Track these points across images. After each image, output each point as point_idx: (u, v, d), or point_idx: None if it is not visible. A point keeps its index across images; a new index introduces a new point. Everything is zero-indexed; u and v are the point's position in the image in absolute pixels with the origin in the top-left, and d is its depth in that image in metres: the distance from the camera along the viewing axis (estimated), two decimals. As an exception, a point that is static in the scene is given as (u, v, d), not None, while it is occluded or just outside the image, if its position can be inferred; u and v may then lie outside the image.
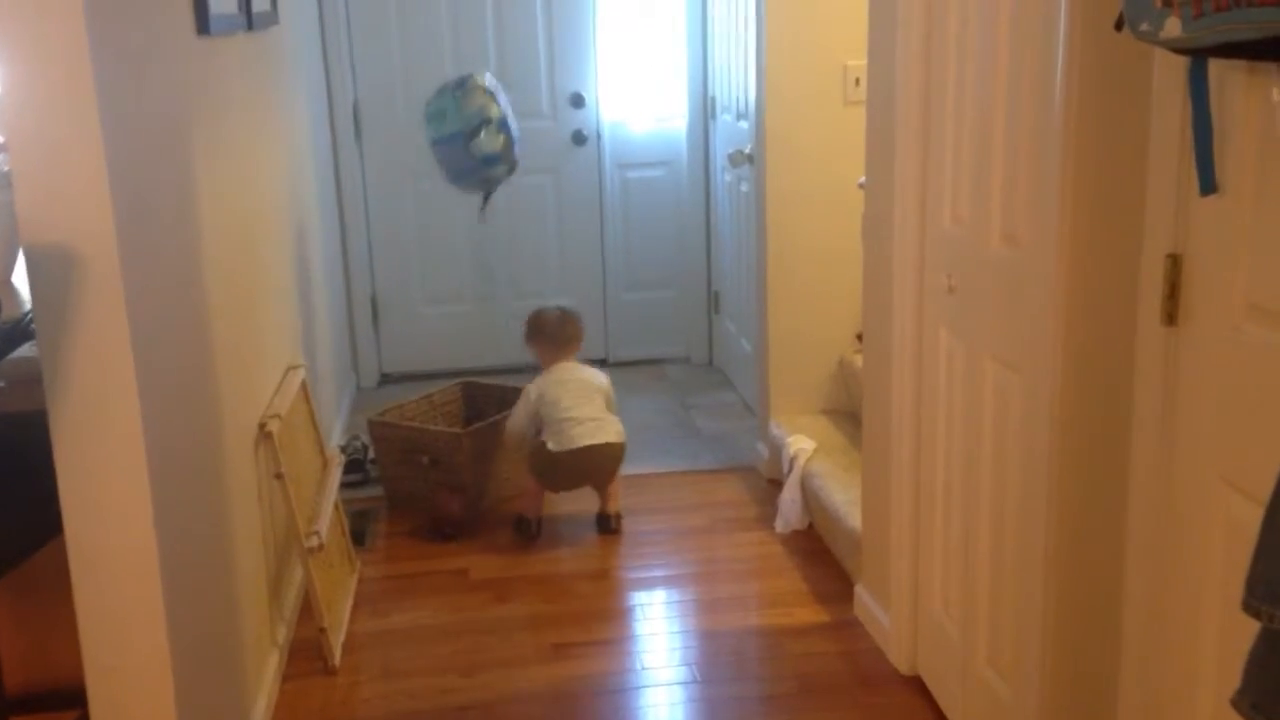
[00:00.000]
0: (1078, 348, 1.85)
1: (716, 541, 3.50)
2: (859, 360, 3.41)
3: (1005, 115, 2.06)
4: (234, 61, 2.71)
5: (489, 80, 3.90)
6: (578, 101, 4.93)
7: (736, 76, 4.37)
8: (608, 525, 3.57)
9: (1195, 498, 1.49)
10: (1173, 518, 1.55)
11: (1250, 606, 1.11)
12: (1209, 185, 1.34)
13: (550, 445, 3.49)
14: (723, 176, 4.79)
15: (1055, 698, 2.01)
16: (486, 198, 4.05)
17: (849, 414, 3.86)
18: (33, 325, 1.75)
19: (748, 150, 4.17)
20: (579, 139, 4.97)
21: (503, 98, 3.89)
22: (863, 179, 2.89)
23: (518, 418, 3.61)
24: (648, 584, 3.27)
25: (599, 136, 4.99)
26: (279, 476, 2.70)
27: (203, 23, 2.28)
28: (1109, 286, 1.73)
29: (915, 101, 2.48)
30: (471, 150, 3.81)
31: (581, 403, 3.51)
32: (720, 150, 4.75)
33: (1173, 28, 1.21)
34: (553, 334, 3.67)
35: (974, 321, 2.28)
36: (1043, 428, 1.95)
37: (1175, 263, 1.49)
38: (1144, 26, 1.25)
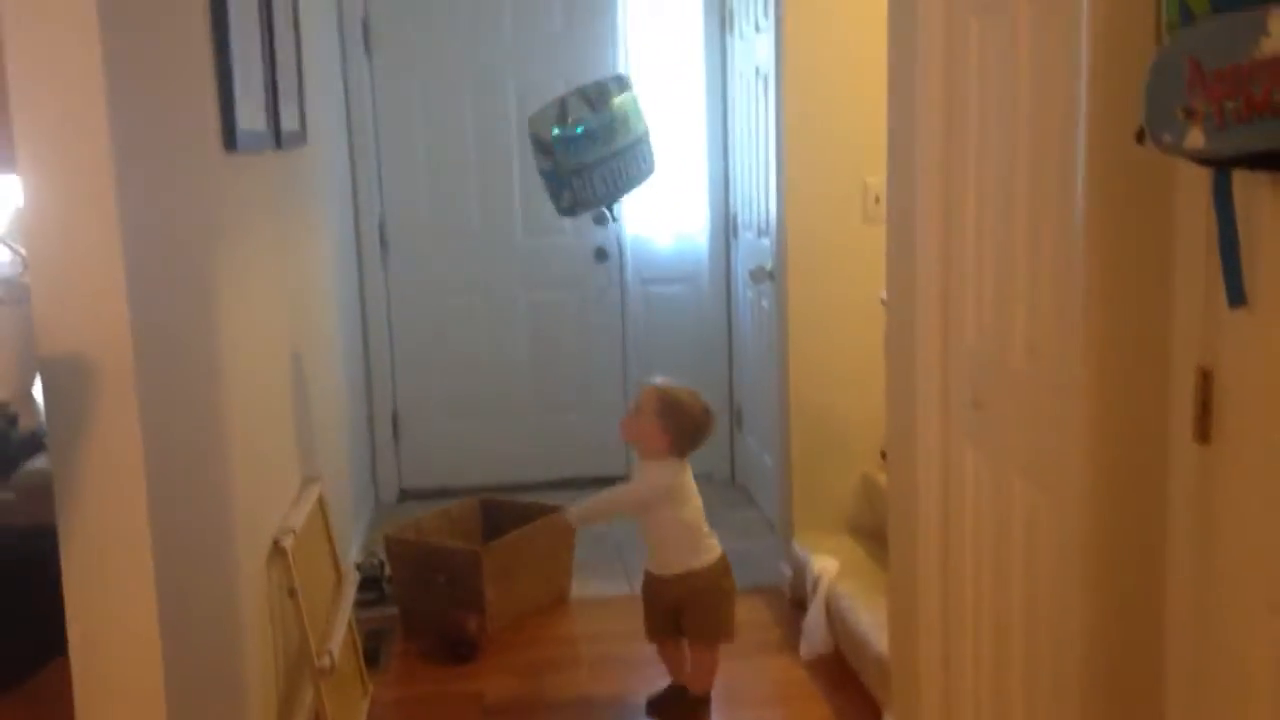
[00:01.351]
0: (1107, 465, 1.80)
1: (739, 666, 3.39)
2: (883, 478, 3.34)
3: (1026, 229, 2.04)
4: (260, 179, 2.75)
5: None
6: (600, 218, 4.98)
7: (757, 193, 4.41)
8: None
9: (1239, 626, 1.42)
10: (1215, 648, 1.48)
11: None
12: (1238, 296, 1.31)
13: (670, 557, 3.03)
14: (745, 293, 4.81)
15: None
16: (612, 212, 3.85)
17: (873, 533, 3.78)
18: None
19: (769, 267, 4.18)
20: (601, 255, 5.00)
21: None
22: (884, 294, 2.87)
23: (637, 492, 3.08)
24: (668, 709, 3.17)
25: (620, 252, 5.03)
26: (292, 594, 2.65)
27: (230, 139, 2.32)
28: (1138, 402, 1.69)
29: (935, 215, 2.48)
30: (645, 152, 3.59)
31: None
32: (742, 266, 4.77)
33: (1195, 139, 1.19)
34: (697, 425, 3.04)
35: (1000, 438, 2.23)
36: (1074, 550, 1.88)
37: (1206, 377, 1.45)
38: (1166, 138, 1.24)
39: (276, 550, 2.64)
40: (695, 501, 3.05)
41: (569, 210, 3.57)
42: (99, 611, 1.75)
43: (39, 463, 1.87)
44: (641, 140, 3.62)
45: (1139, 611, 1.73)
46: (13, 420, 1.99)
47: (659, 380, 3.11)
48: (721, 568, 3.04)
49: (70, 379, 1.70)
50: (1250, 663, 1.39)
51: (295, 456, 3.07)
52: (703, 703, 3.07)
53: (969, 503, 2.40)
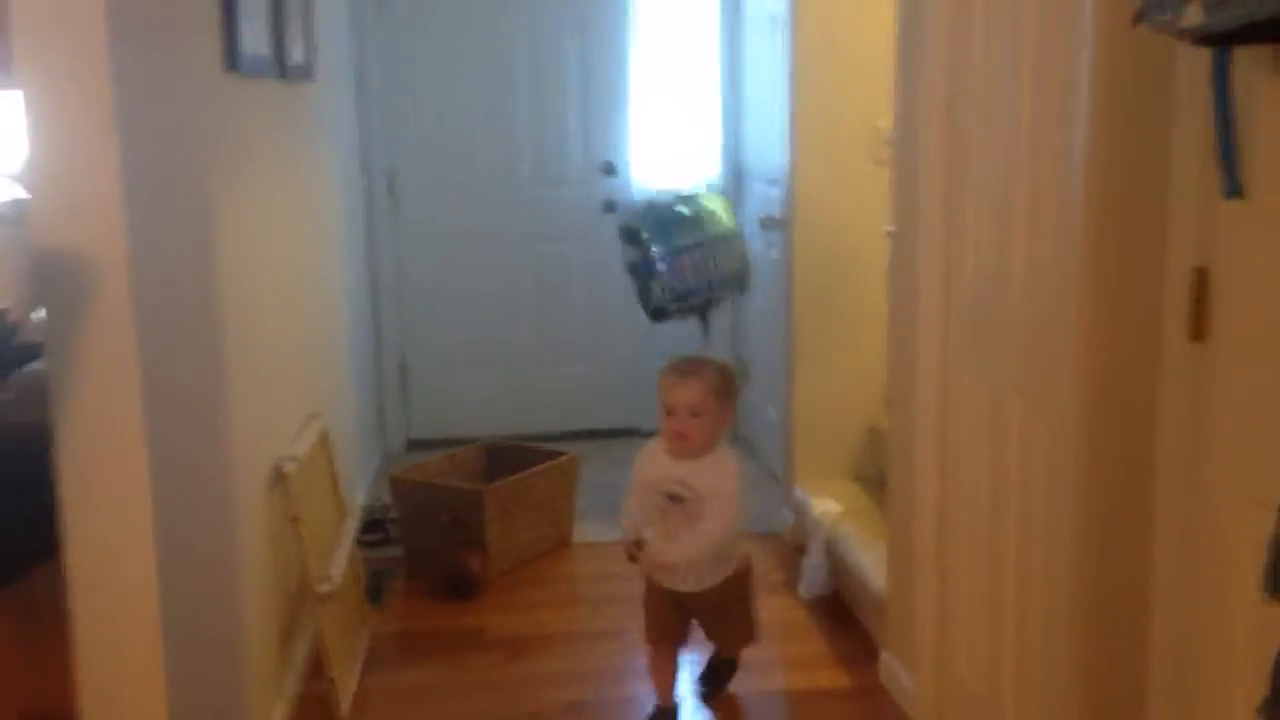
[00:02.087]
0: (1101, 371, 1.79)
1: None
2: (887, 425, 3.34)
3: (1029, 146, 2.03)
4: (263, 106, 2.75)
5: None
6: (609, 169, 4.96)
7: (768, 142, 4.38)
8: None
9: (1225, 521, 1.42)
10: (1202, 545, 1.47)
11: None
12: (1234, 187, 1.30)
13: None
14: (754, 243, 4.78)
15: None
16: (705, 315, 3.73)
17: (877, 480, 3.77)
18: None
19: (778, 215, 4.16)
20: (609, 207, 4.99)
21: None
22: (891, 227, 2.86)
23: (734, 506, 2.61)
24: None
25: (630, 204, 5.01)
26: (293, 520, 2.66)
27: (231, 59, 2.31)
28: (1133, 305, 1.68)
29: (940, 145, 2.46)
30: (737, 250, 3.58)
31: None
32: (751, 217, 4.75)
33: (1193, 15, 1.17)
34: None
35: (998, 361, 2.22)
36: (1067, 462, 1.88)
37: (1201, 275, 1.44)
38: (1163, 16, 1.22)
39: (277, 476, 2.65)
40: None
41: (661, 307, 3.58)
42: (92, 510, 1.76)
43: (37, 367, 1.87)
44: (732, 237, 3.64)
45: (1129, 519, 1.72)
46: (12, 329, 2.00)
47: (675, 362, 2.65)
48: (746, 568, 2.75)
49: (66, 278, 1.70)
50: (1235, 556, 1.38)
51: (297, 390, 3.08)
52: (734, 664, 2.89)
53: (966, 430, 2.40)
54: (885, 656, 2.89)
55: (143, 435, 1.77)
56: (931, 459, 2.56)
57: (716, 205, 3.66)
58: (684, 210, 3.60)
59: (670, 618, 2.72)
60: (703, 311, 3.77)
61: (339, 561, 2.86)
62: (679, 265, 3.49)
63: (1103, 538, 1.84)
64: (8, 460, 1.82)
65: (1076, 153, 1.80)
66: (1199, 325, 1.45)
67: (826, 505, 3.55)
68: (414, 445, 5.08)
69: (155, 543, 1.79)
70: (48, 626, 1.84)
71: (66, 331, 1.72)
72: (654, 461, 2.64)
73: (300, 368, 3.15)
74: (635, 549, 2.66)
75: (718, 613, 2.73)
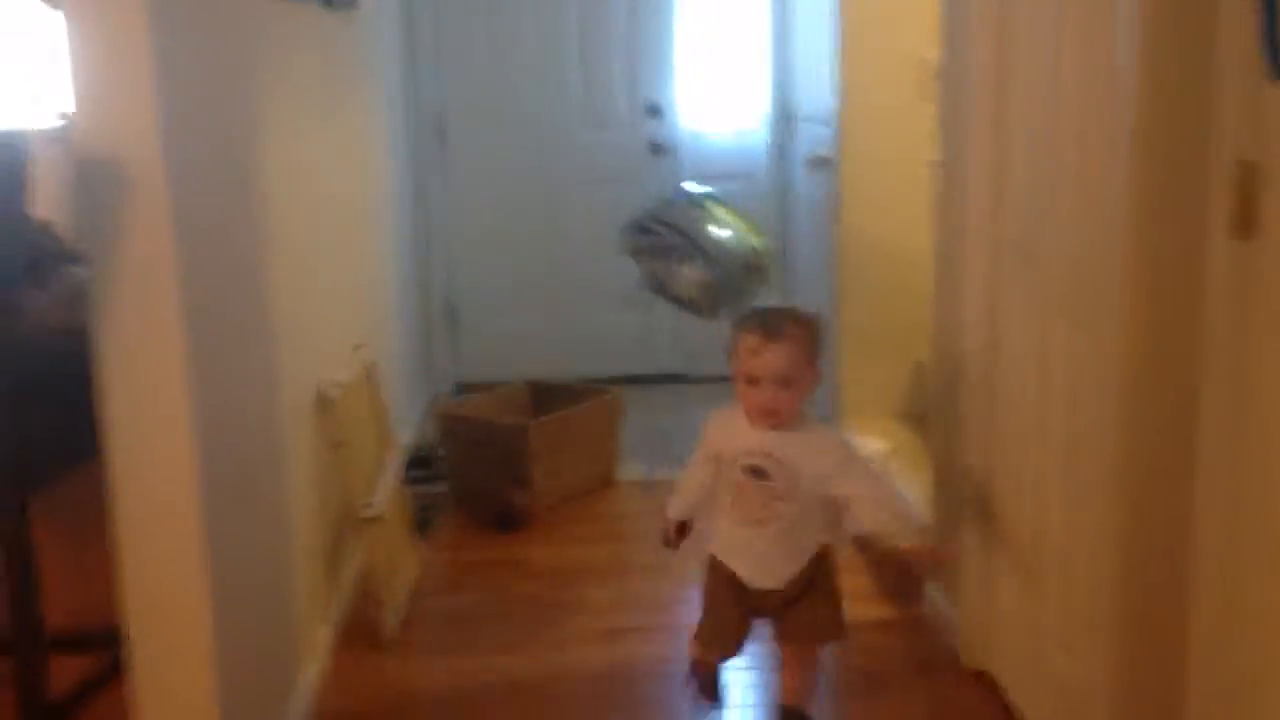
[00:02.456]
0: (1148, 284, 1.74)
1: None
2: (934, 356, 3.30)
3: (1075, 61, 1.98)
4: (305, 30, 2.75)
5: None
6: (655, 111, 4.92)
7: (815, 81, 4.32)
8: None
9: (1270, 422, 1.38)
10: (1248, 451, 1.44)
11: None
12: (1277, 67, 1.25)
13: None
14: (802, 188, 4.74)
15: (1127, 669, 1.88)
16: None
17: (923, 419, 3.73)
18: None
19: (826, 154, 4.11)
20: (656, 149, 4.95)
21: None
22: (938, 156, 2.81)
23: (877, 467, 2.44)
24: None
25: (677, 147, 4.98)
26: (337, 445, 2.69)
27: (271, -20, 2.31)
28: (1182, 208, 1.62)
29: (989, 68, 2.41)
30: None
31: None
32: (800, 159, 4.70)
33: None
34: None
35: (1046, 286, 2.18)
36: (1113, 379, 1.84)
37: (1248, 170, 1.39)
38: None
39: (322, 400, 2.68)
40: None
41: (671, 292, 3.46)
42: (134, 423, 1.78)
43: (79, 273, 1.89)
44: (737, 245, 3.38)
45: (1175, 436, 1.69)
46: (55, 239, 2.03)
47: (753, 317, 2.15)
48: (824, 550, 2.26)
49: (105, 192, 1.72)
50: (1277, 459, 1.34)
51: (344, 323, 3.10)
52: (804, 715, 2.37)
53: (1012, 357, 2.36)
54: (929, 587, 2.87)
55: (182, 343, 1.78)
56: (977, 388, 2.53)
57: (724, 212, 3.50)
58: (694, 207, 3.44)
59: (733, 616, 2.27)
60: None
61: (384, 489, 2.89)
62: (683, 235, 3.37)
63: (1149, 458, 1.80)
64: (49, 363, 1.85)
65: (1122, 56, 1.75)
66: (1246, 222, 1.40)
67: (874, 444, 3.52)
68: (462, 388, 5.11)
69: (196, 451, 1.81)
70: (95, 535, 1.88)
71: (107, 241, 1.74)
72: (733, 429, 2.15)
73: (347, 301, 3.17)
74: (678, 534, 2.32)
75: (799, 602, 2.22)
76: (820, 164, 4.20)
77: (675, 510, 2.33)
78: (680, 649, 2.68)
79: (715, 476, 2.22)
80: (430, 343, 5.06)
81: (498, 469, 3.60)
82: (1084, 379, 2.00)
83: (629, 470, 3.96)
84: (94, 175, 1.72)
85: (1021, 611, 2.37)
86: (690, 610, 2.95)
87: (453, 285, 5.08)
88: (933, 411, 2.85)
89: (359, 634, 2.81)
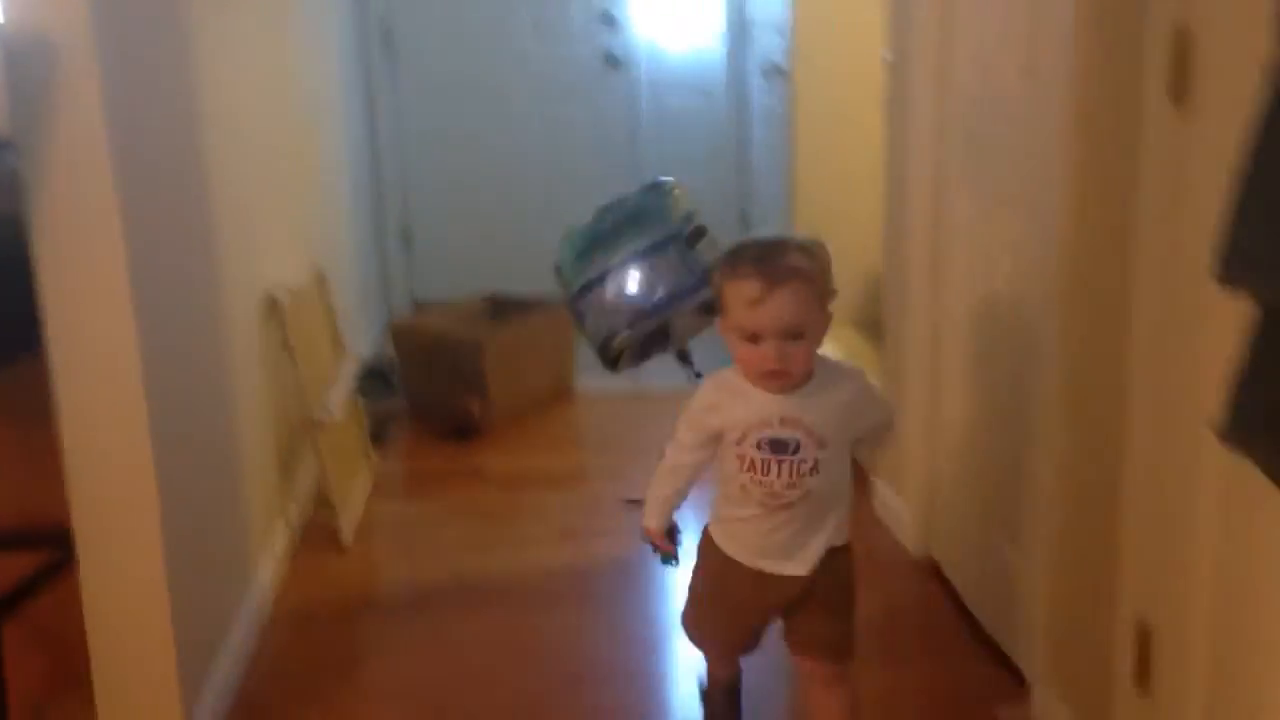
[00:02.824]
0: (1087, 162, 1.75)
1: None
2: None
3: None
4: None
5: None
6: (609, 20, 4.86)
7: (770, -11, 4.28)
8: None
9: (1199, 295, 1.39)
10: (1176, 321, 1.46)
11: (1229, 278, 1.03)
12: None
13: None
14: (759, 99, 4.71)
15: (1062, 548, 1.93)
16: (687, 358, 2.65)
17: (876, 327, 3.77)
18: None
19: (781, 63, 4.09)
20: (611, 62, 4.90)
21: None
22: (887, 53, 2.80)
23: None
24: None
25: (633, 59, 4.92)
26: (287, 348, 2.68)
27: None
28: (1121, 78, 1.63)
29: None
30: (692, 259, 2.42)
31: None
32: (756, 71, 4.66)
33: None
34: None
35: (991, 176, 2.19)
36: (1052, 256, 1.86)
37: (1183, 36, 1.40)
38: None
39: (271, 305, 2.66)
40: None
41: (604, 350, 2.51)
42: (73, 312, 1.76)
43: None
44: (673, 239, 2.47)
45: (1111, 303, 1.70)
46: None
47: (747, 253, 1.66)
48: (846, 543, 1.80)
49: (31, 60, 1.68)
50: (1209, 334, 1.36)
51: (293, 233, 3.07)
52: None
53: (959, 250, 2.38)
54: (877, 483, 2.92)
55: (119, 232, 1.74)
56: (925, 282, 2.55)
57: (651, 204, 2.61)
58: (606, 218, 2.63)
59: (746, 617, 1.83)
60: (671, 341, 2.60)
61: (336, 395, 2.89)
62: (639, 267, 2.45)
63: (1086, 342, 1.82)
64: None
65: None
66: (1180, 88, 1.41)
67: (827, 351, 3.54)
68: (419, 308, 5.09)
69: (138, 343, 1.79)
70: (40, 430, 1.86)
71: (37, 127, 1.71)
72: (738, 397, 1.68)
73: (297, 209, 3.14)
74: (668, 539, 1.85)
75: (824, 602, 1.77)
76: (775, 73, 4.18)
77: (656, 517, 1.83)
78: (633, 545, 2.72)
79: (715, 459, 1.75)
80: (385, 259, 5.02)
81: (453, 381, 3.60)
82: (1025, 262, 2.02)
83: (588, 383, 3.98)
84: (23, 59, 1.68)
85: (963, 503, 2.41)
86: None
87: (406, 200, 5.02)
88: (884, 308, 2.88)
89: (318, 538, 2.83)
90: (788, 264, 1.62)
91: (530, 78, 4.94)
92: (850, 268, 3.84)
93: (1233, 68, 1.33)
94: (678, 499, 1.83)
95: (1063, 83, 1.79)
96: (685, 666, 2.20)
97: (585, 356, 4.02)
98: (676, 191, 2.56)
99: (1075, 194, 1.78)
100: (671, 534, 1.86)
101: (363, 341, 4.17)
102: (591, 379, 3.97)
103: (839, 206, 3.84)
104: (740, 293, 1.62)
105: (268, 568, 2.54)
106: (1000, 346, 2.19)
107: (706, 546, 1.82)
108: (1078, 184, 1.77)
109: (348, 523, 2.82)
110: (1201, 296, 1.37)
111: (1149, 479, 1.57)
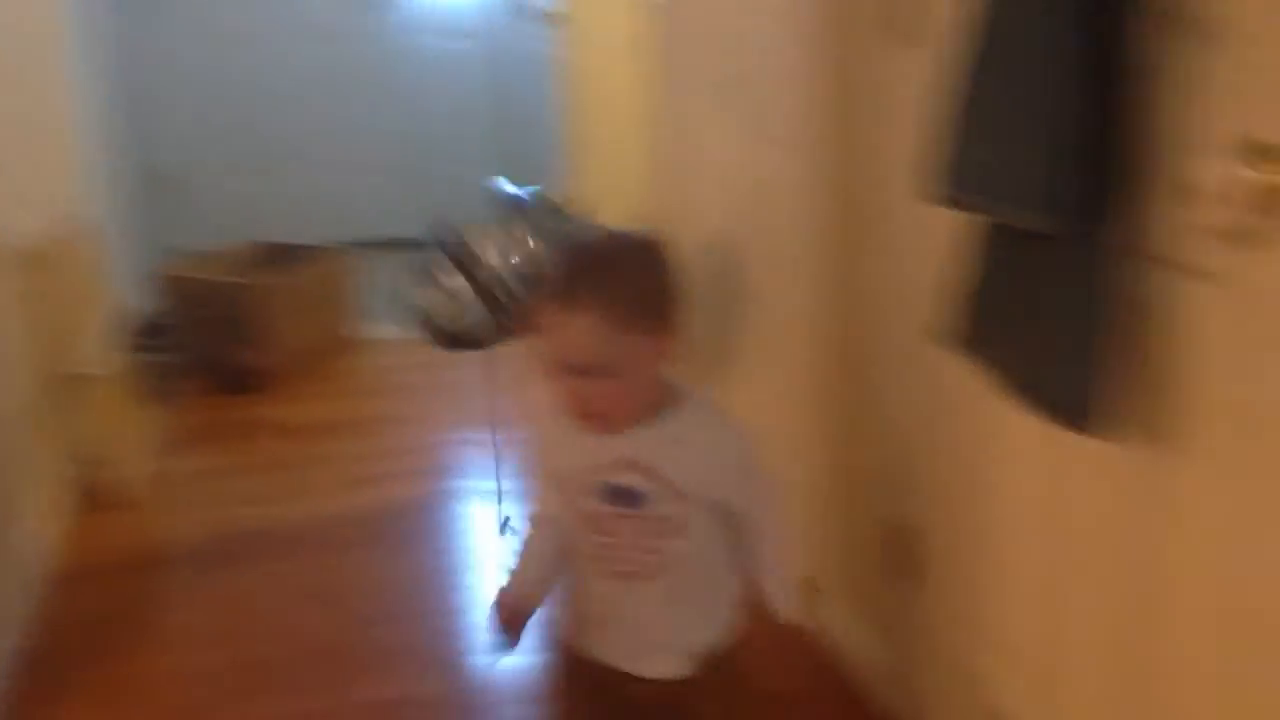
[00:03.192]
0: (827, 86, 1.87)
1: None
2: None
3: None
4: None
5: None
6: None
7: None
8: None
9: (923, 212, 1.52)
10: (908, 237, 1.60)
11: (953, 199, 1.13)
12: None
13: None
14: (532, 44, 4.69)
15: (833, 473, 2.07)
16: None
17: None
18: None
19: (550, 7, 4.10)
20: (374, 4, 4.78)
21: None
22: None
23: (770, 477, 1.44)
24: (456, 425, 3.21)
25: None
26: (31, 297, 2.52)
27: None
28: (856, 17, 1.75)
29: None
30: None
31: None
32: (523, 12, 4.65)
33: None
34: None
35: (752, 114, 2.30)
36: (805, 182, 1.99)
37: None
38: None
39: (16, 255, 2.49)
40: None
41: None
42: None
43: None
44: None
45: (868, 225, 1.83)
46: None
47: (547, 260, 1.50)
48: (734, 641, 1.43)
49: None
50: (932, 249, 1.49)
51: (33, 174, 2.87)
52: None
53: (714, 177, 2.49)
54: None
55: None
56: (693, 207, 2.65)
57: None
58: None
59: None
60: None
61: (99, 347, 2.76)
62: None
63: (839, 258, 1.95)
64: None
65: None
66: (893, 23, 1.53)
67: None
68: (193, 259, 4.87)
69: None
70: None
71: None
72: (570, 435, 1.33)
73: (34, 151, 2.93)
74: (513, 620, 1.37)
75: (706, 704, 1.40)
76: (551, 19, 4.18)
77: (518, 582, 1.41)
78: (425, 487, 2.74)
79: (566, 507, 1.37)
80: (151, 207, 4.76)
81: (225, 330, 3.51)
82: (784, 192, 2.14)
83: (373, 331, 3.93)
84: None
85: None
86: (440, 452, 3.01)
87: (165, 147, 4.77)
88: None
89: (103, 496, 2.72)
90: (586, 282, 1.25)
91: (287, 17, 4.75)
92: (622, 210, 3.94)
93: None
94: (548, 558, 1.39)
95: (805, 24, 1.91)
96: (477, 601, 2.26)
97: (374, 307, 3.96)
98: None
99: (819, 128, 1.90)
100: (522, 612, 1.38)
101: (139, 295, 3.97)
102: (376, 329, 3.93)
103: (614, 156, 3.90)
104: (543, 315, 1.27)
105: (31, 527, 2.42)
106: (774, 276, 2.31)
107: (561, 648, 1.46)
108: (821, 118, 1.89)
109: (129, 479, 2.73)
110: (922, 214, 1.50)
111: (901, 398, 1.72)
